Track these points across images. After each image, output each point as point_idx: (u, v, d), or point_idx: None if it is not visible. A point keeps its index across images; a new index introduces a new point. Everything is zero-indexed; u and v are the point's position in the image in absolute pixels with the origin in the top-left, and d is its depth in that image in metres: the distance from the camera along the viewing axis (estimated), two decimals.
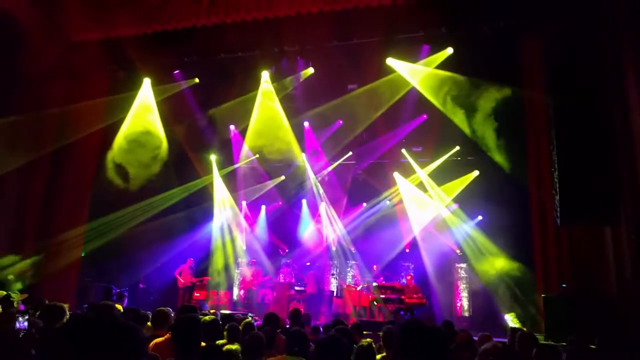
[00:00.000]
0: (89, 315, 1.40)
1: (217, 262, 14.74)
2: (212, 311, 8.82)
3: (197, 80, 13.20)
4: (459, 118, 11.52)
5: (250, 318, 6.53)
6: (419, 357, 2.00)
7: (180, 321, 3.37)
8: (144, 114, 12.81)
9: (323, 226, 15.42)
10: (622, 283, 8.39)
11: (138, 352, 1.36)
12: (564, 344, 5.95)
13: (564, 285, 9.17)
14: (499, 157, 11.38)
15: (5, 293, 7.53)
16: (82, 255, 12.28)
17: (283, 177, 15.59)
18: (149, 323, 5.24)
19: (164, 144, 12.89)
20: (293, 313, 6.83)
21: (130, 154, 12.32)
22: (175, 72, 13.07)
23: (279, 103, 13.32)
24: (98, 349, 1.29)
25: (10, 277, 10.45)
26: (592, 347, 4.60)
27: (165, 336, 4.26)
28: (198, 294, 13.28)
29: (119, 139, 12.51)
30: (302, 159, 14.98)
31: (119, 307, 6.48)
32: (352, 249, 15.10)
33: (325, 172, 15.37)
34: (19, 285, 10.54)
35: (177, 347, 3.19)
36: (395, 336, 2.13)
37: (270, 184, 15.67)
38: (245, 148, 14.58)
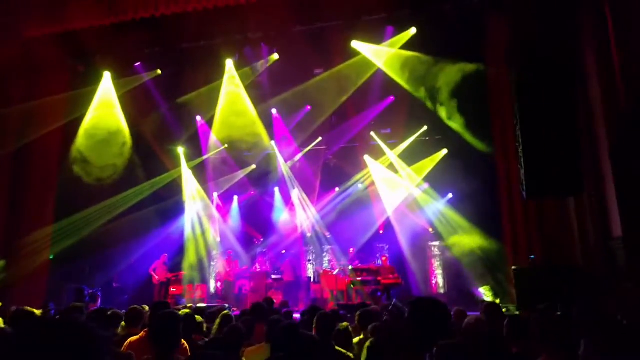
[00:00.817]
0: (42, 318, 1.36)
1: (191, 255, 14.59)
2: (188, 305, 8.75)
3: (159, 71, 12.90)
4: (425, 97, 11.63)
5: (227, 310, 6.51)
6: (428, 327, 2.24)
7: (158, 318, 3.32)
8: (105, 108, 12.47)
9: (297, 213, 15.42)
10: (586, 252, 8.71)
11: (96, 353, 1.33)
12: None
13: (533, 257, 9.44)
14: (466, 135, 11.57)
15: None
16: (51, 257, 11.97)
17: (254, 166, 15.48)
18: (123, 322, 5.16)
19: (127, 138, 12.59)
20: (266, 301, 6.83)
21: (93, 151, 11.99)
22: (137, 64, 12.75)
23: (245, 91, 13.15)
24: (51, 351, 1.25)
25: None
26: (558, 314, 4.75)
27: (140, 334, 4.23)
28: (174, 289, 13.15)
29: (80, 136, 12.17)
30: (271, 146, 14.90)
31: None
32: (327, 234, 15.18)
33: (296, 158, 15.32)
34: None
35: (157, 345, 3.15)
36: (407, 311, 2.37)
37: (241, 173, 15.54)
38: (213, 138, 14.39)
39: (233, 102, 13.16)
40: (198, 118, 14.42)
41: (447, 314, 2.39)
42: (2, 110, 10.83)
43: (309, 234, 15.33)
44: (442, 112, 11.74)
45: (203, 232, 15.10)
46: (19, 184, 11.64)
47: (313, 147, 15.19)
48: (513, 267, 9.22)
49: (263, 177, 15.50)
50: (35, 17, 10.51)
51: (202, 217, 15.23)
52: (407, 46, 11.55)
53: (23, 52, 10.90)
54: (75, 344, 1.29)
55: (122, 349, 3.88)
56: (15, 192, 11.57)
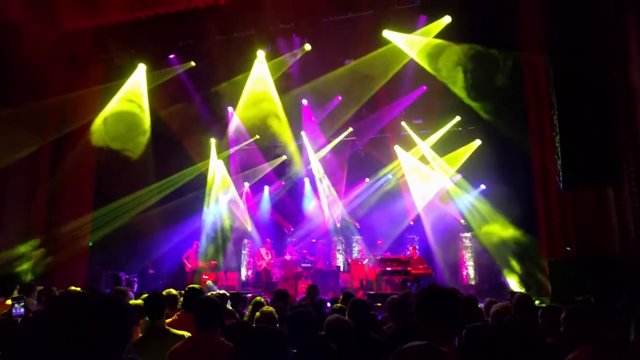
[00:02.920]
0: (72, 292, 1.47)
1: (223, 244, 14.88)
2: (221, 291, 8.93)
3: (193, 63, 13.09)
4: (458, 87, 11.41)
5: (260, 297, 6.62)
6: (436, 314, 2.33)
7: (201, 302, 3.45)
8: (131, 99, 12.62)
9: (326, 203, 15.48)
10: (625, 244, 8.45)
11: (124, 320, 1.42)
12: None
13: (569, 249, 9.22)
14: (500, 125, 11.33)
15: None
16: (90, 244, 12.40)
17: (284, 157, 15.58)
18: None
19: (147, 129, 12.66)
20: (309, 290, 6.92)
21: (109, 138, 12.10)
22: (171, 56, 12.98)
23: (276, 82, 13.22)
24: (82, 319, 1.34)
25: (24, 267, 10.59)
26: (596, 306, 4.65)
27: (174, 317, 4.40)
28: (207, 277, 13.43)
29: (98, 123, 12.31)
30: (301, 137, 14.98)
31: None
32: (357, 224, 15.20)
33: (326, 149, 15.34)
34: (30, 277, 10.68)
35: (201, 327, 3.28)
36: (416, 297, 2.44)
37: (271, 164, 15.67)
38: (244, 130, 14.53)
39: (263, 93, 13.22)
40: (230, 109, 14.55)
41: (453, 301, 2.46)
42: (42, 101, 11.19)
43: (338, 224, 15.38)
44: (476, 102, 11.52)
45: (234, 222, 15.34)
46: (59, 173, 12.06)
47: (344, 137, 15.17)
48: (548, 259, 9.04)
49: (293, 168, 15.60)
50: (74, 11, 10.82)
51: (233, 207, 15.47)
52: (440, 35, 11.33)
53: (62, 45, 11.24)
54: (106, 311, 1.39)
55: None
56: (55, 182, 12.00)
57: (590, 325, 3.03)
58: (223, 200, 15.38)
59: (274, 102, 13.28)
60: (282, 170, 15.90)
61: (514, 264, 11.49)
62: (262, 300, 5.60)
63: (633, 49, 8.06)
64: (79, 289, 4.83)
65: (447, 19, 11.06)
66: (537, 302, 6.16)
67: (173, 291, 5.16)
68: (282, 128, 13.68)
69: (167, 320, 4.20)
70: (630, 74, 8.05)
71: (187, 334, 3.62)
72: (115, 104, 12.54)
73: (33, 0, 10.20)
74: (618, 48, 8.31)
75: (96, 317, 1.36)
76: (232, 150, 15.35)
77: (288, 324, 3.48)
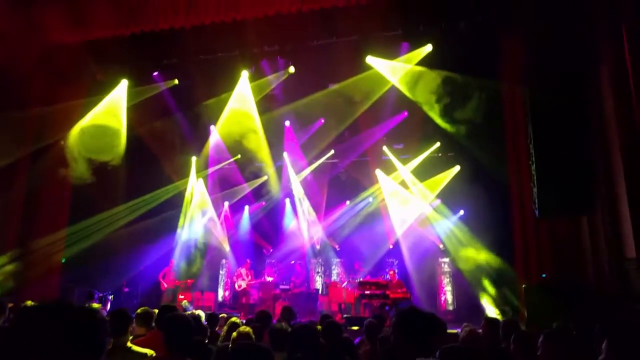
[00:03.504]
0: (43, 304, 1.43)
1: (199, 264, 14.69)
2: (197, 312, 8.77)
3: (176, 81, 13.12)
4: (437, 114, 11.66)
5: (236, 318, 6.54)
6: (413, 336, 2.36)
7: (171, 319, 3.39)
8: (109, 113, 12.49)
9: (307, 225, 15.45)
10: (598, 272, 8.62)
11: (97, 333, 1.39)
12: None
13: (544, 275, 9.35)
14: (479, 152, 11.56)
15: None
16: (63, 261, 12.11)
17: (265, 177, 15.57)
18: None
19: (122, 146, 12.46)
20: (283, 311, 6.85)
21: (82, 149, 11.83)
22: (155, 73, 12.98)
23: (259, 103, 13.31)
24: (53, 331, 1.31)
25: None
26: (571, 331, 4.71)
27: (146, 335, 4.33)
28: (182, 297, 13.19)
29: (74, 133, 12.08)
30: (283, 158, 15.03)
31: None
32: (336, 246, 15.17)
33: (307, 170, 15.39)
34: None
35: (170, 345, 3.22)
36: (394, 320, 2.49)
37: (252, 184, 15.64)
38: (224, 149, 14.50)
39: (244, 113, 13.26)
40: (212, 128, 14.52)
41: (430, 324, 2.48)
42: (21, 112, 11.01)
43: (318, 246, 15.33)
44: (455, 129, 11.75)
45: (211, 241, 15.19)
46: (35, 186, 11.80)
47: (325, 160, 15.26)
48: (523, 285, 9.14)
49: (274, 188, 15.58)
50: (59, 24, 10.77)
51: (211, 226, 15.33)
52: (422, 62, 11.61)
53: (45, 57, 11.14)
54: (79, 323, 1.36)
55: None
56: (30, 195, 11.74)
57: (569, 350, 3.06)
58: (201, 219, 15.24)
59: (255, 123, 13.34)
60: (262, 190, 15.86)
61: (491, 289, 11.58)
62: (238, 321, 5.53)
63: (605, 82, 8.38)
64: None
65: (428, 48, 11.36)
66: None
67: (147, 309, 5.07)
68: (261, 149, 13.72)
69: (140, 339, 4.13)
70: (604, 108, 8.34)
71: (150, 352, 3.55)
72: (92, 117, 12.35)
73: (18, 12, 10.13)
74: (593, 82, 8.62)
75: (68, 329, 1.33)
76: (212, 169, 15.28)
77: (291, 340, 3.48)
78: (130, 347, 3.65)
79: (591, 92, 8.69)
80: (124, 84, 12.68)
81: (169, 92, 13.38)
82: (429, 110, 11.88)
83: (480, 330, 5.08)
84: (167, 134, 13.80)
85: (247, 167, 15.05)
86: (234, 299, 14.35)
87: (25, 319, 1.36)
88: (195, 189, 15.16)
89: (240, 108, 13.23)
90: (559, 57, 8.60)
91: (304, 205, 15.45)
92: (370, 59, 11.82)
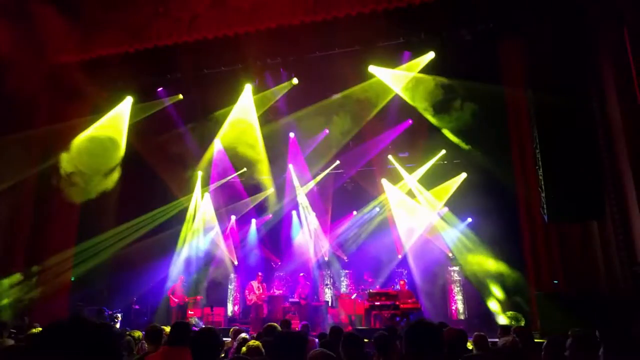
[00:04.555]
0: (61, 321, 1.42)
1: (209, 279, 14.65)
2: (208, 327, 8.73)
3: (180, 96, 13.19)
4: (442, 122, 11.62)
5: (245, 334, 6.48)
6: (423, 349, 2.38)
7: (201, 333, 3.36)
8: (110, 129, 12.44)
9: (314, 237, 15.38)
10: (609, 278, 8.48)
11: (112, 349, 1.39)
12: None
13: (556, 282, 9.23)
14: (485, 158, 11.50)
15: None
16: (72, 279, 12.11)
17: (272, 190, 15.55)
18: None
19: (118, 161, 12.24)
20: (284, 322, 6.80)
21: (79, 164, 11.55)
22: (159, 89, 13.06)
23: (263, 115, 13.36)
24: (72, 349, 1.30)
25: (4, 303, 10.27)
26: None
27: (159, 351, 4.28)
28: (192, 312, 13.14)
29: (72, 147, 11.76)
30: (288, 170, 15.04)
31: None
32: (345, 257, 15.09)
33: (313, 182, 15.36)
34: (9, 313, 10.35)
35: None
36: (405, 333, 2.49)
37: (256, 199, 15.61)
38: (229, 163, 14.51)
39: (247, 126, 13.28)
40: (216, 141, 14.51)
41: (439, 337, 2.52)
42: (27, 132, 11.07)
43: (326, 258, 15.25)
44: (460, 137, 11.71)
45: (219, 256, 15.16)
46: (43, 205, 11.85)
47: (331, 170, 15.23)
48: (535, 292, 9.02)
49: (280, 201, 15.56)
50: (63, 44, 10.90)
51: (218, 241, 15.31)
52: (424, 70, 11.61)
53: (50, 77, 11.24)
54: (95, 338, 1.35)
55: None
56: (38, 214, 11.78)
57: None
58: (208, 233, 15.22)
59: (258, 136, 13.35)
60: (268, 203, 15.84)
61: (502, 297, 11.45)
62: (247, 336, 5.49)
63: (608, 84, 8.32)
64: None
65: (430, 55, 11.36)
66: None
67: (156, 325, 5.05)
68: (262, 162, 13.74)
69: (151, 355, 4.09)
70: (609, 110, 8.27)
71: None
72: (92, 132, 12.27)
73: (22, 34, 10.25)
74: (597, 87, 8.57)
75: (89, 346, 1.33)
76: (218, 183, 15.29)
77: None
78: None
79: (595, 94, 8.64)
80: (128, 101, 12.74)
81: (173, 108, 13.44)
82: (432, 118, 11.86)
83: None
84: (172, 150, 13.84)
85: (252, 180, 15.02)
86: (244, 313, 14.27)
87: (43, 338, 1.35)
88: (202, 204, 15.17)
89: (243, 121, 13.25)
90: (561, 61, 8.57)
91: (311, 217, 15.40)
92: (372, 68, 11.83)
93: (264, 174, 14.41)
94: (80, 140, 11.94)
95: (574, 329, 5.27)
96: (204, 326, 9.37)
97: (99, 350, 1.35)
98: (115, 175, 12.02)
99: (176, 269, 14.14)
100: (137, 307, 13.32)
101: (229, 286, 15.79)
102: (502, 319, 10.77)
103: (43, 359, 1.31)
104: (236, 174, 14.95)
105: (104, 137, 12.22)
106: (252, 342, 4.47)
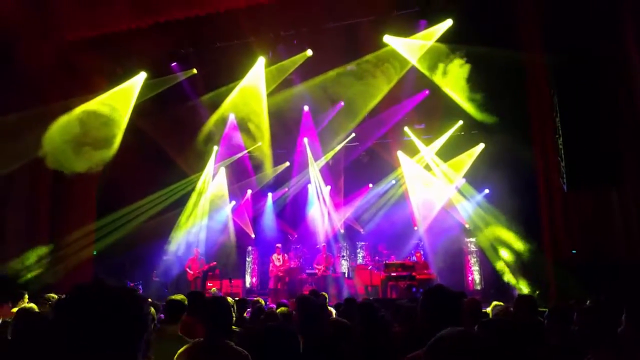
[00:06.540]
0: (88, 284, 1.42)
1: (226, 251, 14.86)
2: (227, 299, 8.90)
3: (194, 70, 13.13)
4: (459, 91, 11.40)
5: (262, 301, 6.63)
6: (439, 315, 2.40)
7: (213, 302, 3.42)
8: (116, 102, 12.23)
9: (330, 209, 15.45)
10: (630, 246, 8.38)
11: (141, 306, 1.39)
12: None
13: (574, 252, 9.15)
14: (503, 128, 11.30)
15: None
16: (94, 253, 12.39)
17: (287, 164, 15.59)
18: None
19: (119, 136, 12.10)
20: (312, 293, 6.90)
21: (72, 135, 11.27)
22: (173, 64, 13.02)
23: (277, 88, 13.26)
24: (102, 309, 1.31)
25: (31, 276, 10.56)
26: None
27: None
28: (211, 284, 13.39)
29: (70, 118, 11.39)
30: (303, 144, 15.01)
31: None
32: (361, 229, 15.15)
33: (328, 155, 15.32)
34: (37, 285, 10.65)
35: (212, 328, 3.20)
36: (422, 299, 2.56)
37: (274, 171, 15.64)
38: (242, 138, 14.50)
39: (260, 100, 13.21)
40: (231, 116, 14.47)
41: (457, 302, 2.57)
42: (42, 109, 11.10)
43: (342, 230, 15.34)
44: (478, 106, 11.49)
45: (237, 229, 15.34)
46: (61, 182, 12.00)
47: (346, 143, 15.15)
48: (553, 262, 8.97)
49: (296, 175, 15.60)
50: (75, 21, 10.87)
51: (234, 214, 15.47)
52: (441, 39, 11.34)
53: (63, 54, 11.25)
54: (120, 300, 1.36)
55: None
56: (59, 191, 11.96)
57: (610, 325, 2.98)
58: (225, 207, 15.38)
59: (264, 109, 13.26)
60: (285, 176, 15.90)
61: (519, 267, 11.41)
62: (263, 303, 5.60)
63: (632, 51, 8.04)
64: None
65: (448, 23, 11.06)
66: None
67: (177, 297, 5.15)
68: (283, 134, 13.70)
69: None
70: (631, 75, 8.02)
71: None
72: (95, 105, 11.96)
73: (34, 11, 10.24)
74: (618, 48, 8.28)
75: (116, 307, 1.34)
76: (233, 157, 15.34)
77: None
78: (181, 335, 3.71)
79: (618, 57, 8.35)
80: (142, 76, 12.71)
81: (187, 82, 13.40)
82: (449, 87, 11.63)
83: (512, 308, 5.00)
84: (187, 125, 13.87)
85: (269, 153, 14.99)
86: (262, 284, 14.50)
87: (70, 300, 1.36)
88: (217, 178, 15.27)
89: (255, 95, 13.17)
90: (582, 23, 8.25)
91: (327, 190, 15.43)
92: (387, 38, 11.60)
93: (277, 148, 14.40)
94: (79, 111, 11.64)
95: (592, 296, 5.26)
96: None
97: (125, 312, 1.35)
98: (113, 148, 11.87)
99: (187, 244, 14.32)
100: (156, 278, 13.62)
101: (247, 258, 16.03)
102: (520, 289, 10.77)
103: (69, 322, 1.32)
104: (252, 147, 14.94)
105: (105, 112, 11.98)
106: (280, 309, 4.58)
